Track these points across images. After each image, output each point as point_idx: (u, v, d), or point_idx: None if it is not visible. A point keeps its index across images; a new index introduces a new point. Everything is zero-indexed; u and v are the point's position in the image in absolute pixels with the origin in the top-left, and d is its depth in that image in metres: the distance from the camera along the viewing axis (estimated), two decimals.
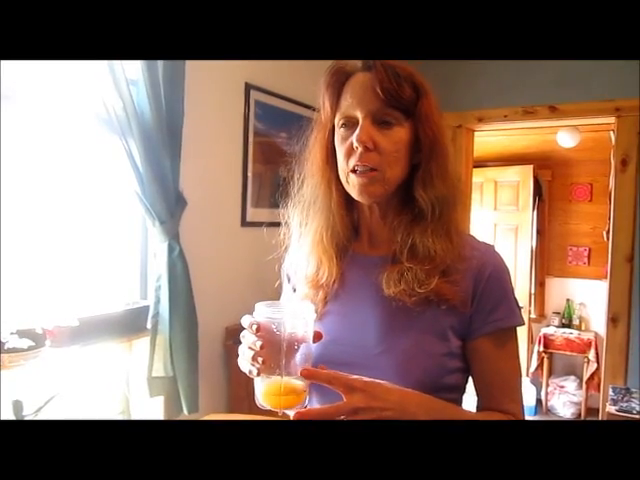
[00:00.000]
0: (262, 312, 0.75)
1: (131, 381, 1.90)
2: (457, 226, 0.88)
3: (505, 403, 0.85)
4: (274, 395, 0.74)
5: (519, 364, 0.88)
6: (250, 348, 0.74)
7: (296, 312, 0.77)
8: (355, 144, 0.82)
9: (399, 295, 0.82)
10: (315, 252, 0.92)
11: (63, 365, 1.59)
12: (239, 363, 0.79)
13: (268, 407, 0.76)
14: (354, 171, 0.84)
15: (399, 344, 0.82)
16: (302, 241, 0.95)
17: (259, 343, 0.73)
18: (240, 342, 0.78)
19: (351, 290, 0.90)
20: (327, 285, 0.91)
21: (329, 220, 0.91)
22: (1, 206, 1.43)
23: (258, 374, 0.74)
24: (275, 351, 0.73)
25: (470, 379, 0.89)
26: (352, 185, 0.85)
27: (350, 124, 0.85)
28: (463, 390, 0.89)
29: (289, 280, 1.03)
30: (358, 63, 0.86)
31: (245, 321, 0.76)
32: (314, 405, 0.90)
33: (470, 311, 0.83)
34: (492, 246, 0.90)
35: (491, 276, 0.84)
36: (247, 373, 0.76)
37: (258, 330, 0.74)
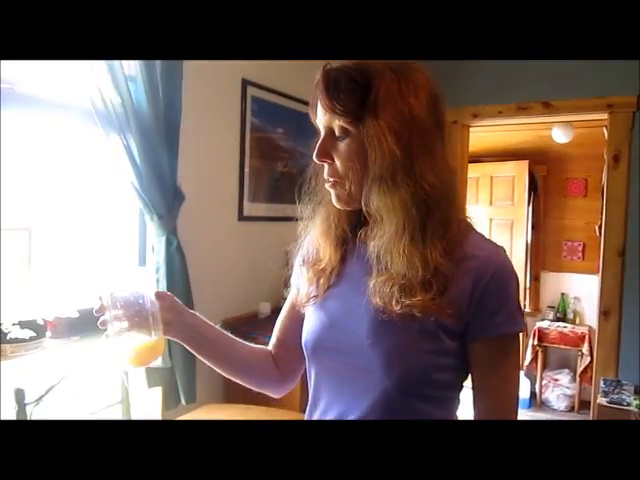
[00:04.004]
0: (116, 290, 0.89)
1: (130, 372, 1.93)
2: (443, 233, 0.79)
3: (496, 414, 0.82)
4: (148, 352, 0.91)
5: (517, 373, 0.84)
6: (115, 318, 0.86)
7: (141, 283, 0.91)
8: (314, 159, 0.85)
9: (384, 306, 0.81)
10: (318, 241, 0.94)
11: (63, 355, 1.62)
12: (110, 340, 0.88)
13: (140, 366, 0.92)
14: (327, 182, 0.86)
15: (388, 338, 0.82)
16: (310, 233, 0.97)
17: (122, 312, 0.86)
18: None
19: (349, 280, 0.91)
20: (326, 271, 0.92)
21: (332, 215, 0.92)
22: (1, 199, 1.46)
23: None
24: (141, 315, 0.89)
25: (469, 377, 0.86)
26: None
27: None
28: (458, 388, 0.87)
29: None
30: None
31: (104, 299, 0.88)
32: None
33: (467, 316, 0.80)
34: (500, 247, 0.83)
35: (493, 279, 0.79)
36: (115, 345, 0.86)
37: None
